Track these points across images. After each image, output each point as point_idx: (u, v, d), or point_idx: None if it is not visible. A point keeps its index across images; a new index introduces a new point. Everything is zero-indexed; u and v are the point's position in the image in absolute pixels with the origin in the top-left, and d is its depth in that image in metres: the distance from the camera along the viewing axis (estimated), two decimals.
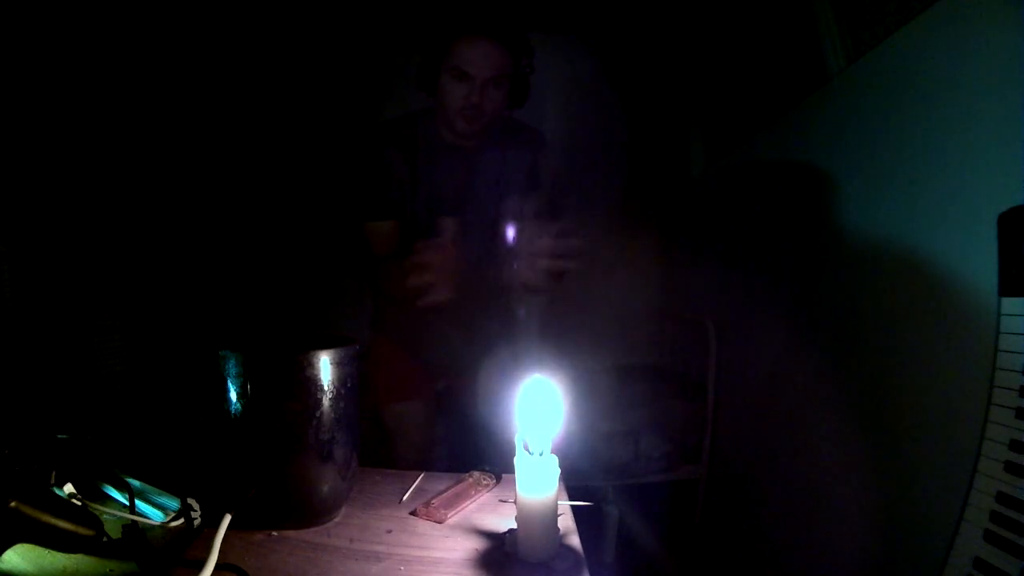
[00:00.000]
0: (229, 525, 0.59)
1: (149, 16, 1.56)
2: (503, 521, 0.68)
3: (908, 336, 1.00)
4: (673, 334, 2.08)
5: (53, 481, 0.62)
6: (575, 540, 0.64)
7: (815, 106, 1.36)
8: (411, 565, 0.58)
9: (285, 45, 1.97)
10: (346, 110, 2.00)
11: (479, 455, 0.91)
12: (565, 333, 1.49)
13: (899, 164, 1.04)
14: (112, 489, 0.67)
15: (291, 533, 0.64)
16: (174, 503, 0.65)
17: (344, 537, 0.64)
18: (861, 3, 1.20)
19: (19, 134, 1.23)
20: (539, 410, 0.60)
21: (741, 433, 1.66)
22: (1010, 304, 0.77)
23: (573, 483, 0.76)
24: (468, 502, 0.72)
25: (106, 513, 0.61)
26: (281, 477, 0.64)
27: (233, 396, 0.62)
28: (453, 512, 0.69)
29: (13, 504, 0.49)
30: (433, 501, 0.71)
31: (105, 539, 0.55)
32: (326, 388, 0.64)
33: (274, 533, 0.63)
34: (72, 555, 0.55)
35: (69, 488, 0.62)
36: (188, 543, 0.59)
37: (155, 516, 0.63)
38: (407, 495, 0.74)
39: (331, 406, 0.64)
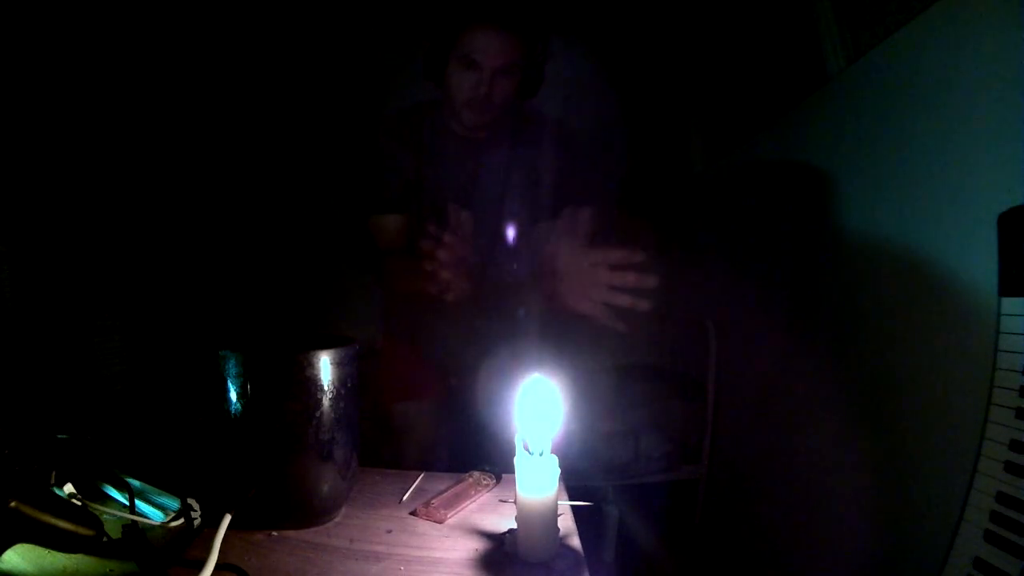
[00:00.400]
0: (229, 525, 0.59)
1: (149, 12, 1.55)
2: (503, 521, 0.68)
3: (908, 336, 1.00)
4: (673, 334, 2.08)
5: (53, 481, 0.62)
6: (575, 540, 0.64)
7: (815, 106, 1.36)
8: (411, 565, 0.58)
9: (287, 35, 1.94)
10: (350, 102, 1.97)
11: (479, 455, 0.91)
12: (565, 333, 1.49)
13: (899, 164, 1.04)
14: (112, 489, 0.67)
15: (291, 533, 0.64)
16: (174, 503, 0.65)
17: (344, 537, 0.64)
18: (861, 3, 1.20)
19: (19, 134, 1.23)
20: (539, 410, 0.60)
21: (741, 433, 1.66)
22: (1010, 304, 0.77)
23: (573, 483, 0.76)
24: (468, 502, 0.72)
25: (106, 513, 0.61)
26: (281, 477, 0.64)
27: (233, 396, 0.62)
28: (453, 512, 0.69)
29: (13, 504, 0.49)
30: (433, 501, 0.71)
31: (105, 539, 0.55)
32: (326, 388, 0.64)
33: (274, 533, 0.63)
34: (72, 555, 0.55)
35: (69, 488, 0.62)
36: (188, 543, 0.59)
37: (155, 516, 0.63)
38: (407, 495, 0.74)
39: (331, 406, 0.64)
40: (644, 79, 2.18)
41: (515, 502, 0.60)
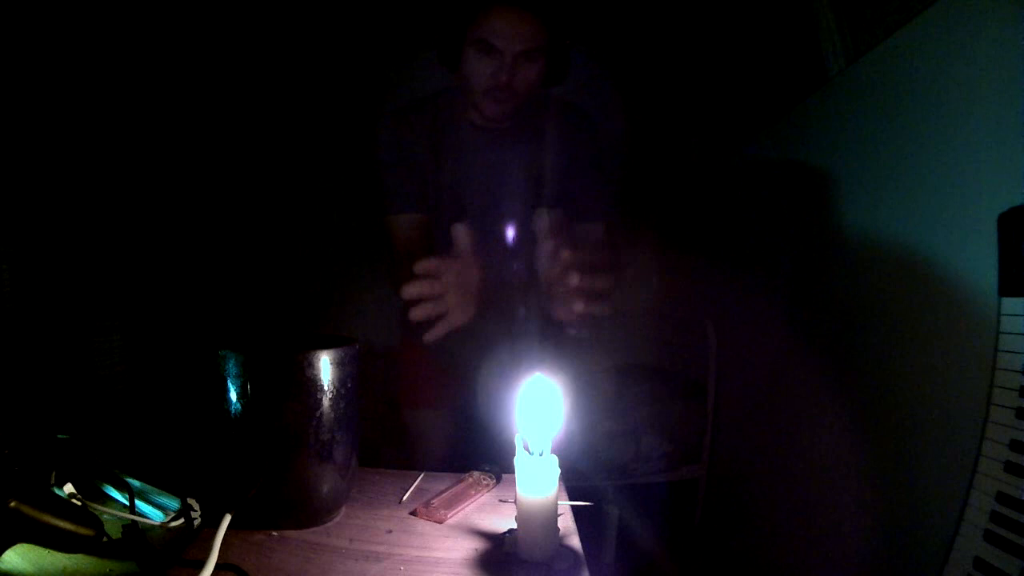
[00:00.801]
0: (229, 525, 0.59)
1: (150, 8, 1.55)
2: (503, 521, 0.68)
3: (908, 336, 1.00)
4: (673, 334, 2.08)
5: (53, 481, 0.62)
6: (575, 540, 0.64)
7: (815, 106, 1.36)
8: (411, 565, 0.58)
9: (292, 23, 1.90)
10: (358, 91, 1.92)
11: (479, 455, 0.90)
12: (565, 333, 1.48)
13: (899, 164, 1.04)
14: (112, 489, 0.67)
15: (291, 533, 0.64)
16: (174, 503, 0.65)
17: (344, 537, 0.64)
18: (861, 3, 1.20)
19: (19, 134, 1.23)
20: (539, 410, 0.60)
21: (741, 433, 1.66)
22: (1010, 304, 0.77)
23: (573, 483, 0.76)
24: (468, 502, 0.72)
25: (106, 513, 0.61)
26: (281, 477, 0.64)
27: (233, 396, 0.62)
28: (453, 512, 0.69)
29: (13, 504, 0.49)
30: (433, 501, 0.71)
31: (105, 539, 0.55)
32: (326, 388, 0.64)
33: (274, 533, 0.63)
34: (72, 555, 0.55)
35: (69, 488, 0.62)
36: (188, 543, 0.59)
37: (155, 516, 0.63)
38: (407, 495, 0.74)
39: (331, 406, 0.64)
40: (644, 79, 2.18)
41: (515, 502, 0.60)
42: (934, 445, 0.92)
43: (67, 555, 0.55)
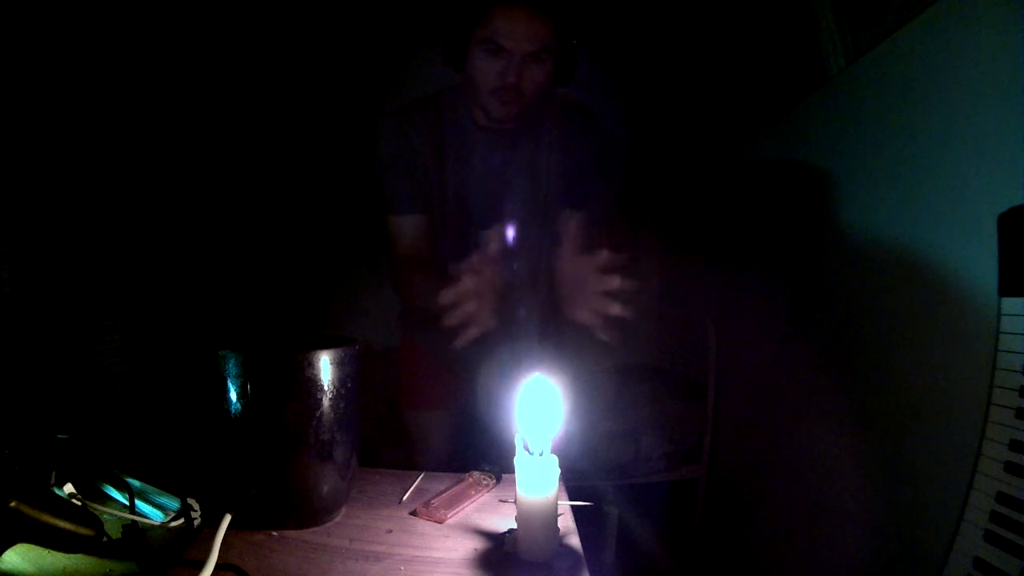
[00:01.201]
0: (229, 525, 0.59)
1: (149, 13, 1.55)
2: (503, 521, 0.68)
3: (908, 336, 1.00)
4: (673, 334, 2.08)
5: (53, 481, 0.62)
6: (575, 540, 0.64)
7: (815, 106, 1.36)
8: (411, 565, 0.58)
9: (293, 20, 1.89)
10: (360, 91, 1.90)
11: (479, 455, 0.90)
12: (565, 333, 1.48)
13: (899, 164, 1.04)
14: (112, 489, 0.67)
15: (291, 533, 0.64)
16: (174, 503, 0.65)
17: (344, 537, 0.64)
18: (861, 3, 1.20)
19: (19, 134, 1.23)
20: (539, 410, 0.60)
21: (741, 433, 1.66)
22: (1010, 304, 0.77)
23: (573, 483, 0.76)
24: (468, 502, 0.72)
25: (106, 513, 0.60)
26: (281, 477, 0.64)
27: (233, 396, 0.62)
28: (453, 512, 0.69)
29: (13, 504, 0.49)
30: (433, 501, 0.71)
31: (105, 539, 0.55)
32: (326, 388, 0.64)
33: (274, 533, 0.63)
34: (72, 555, 0.55)
35: (69, 488, 0.62)
36: (188, 543, 0.59)
37: (155, 516, 0.63)
38: (407, 495, 0.74)
39: (331, 406, 0.64)
40: (644, 78, 2.18)
41: (515, 502, 0.60)
42: (934, 445, 0.92)
43: (67, 555, 0.55)
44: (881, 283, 1.09)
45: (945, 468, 0.87)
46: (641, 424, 1.71)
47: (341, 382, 0.65)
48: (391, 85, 1.60)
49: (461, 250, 0.78)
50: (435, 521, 0.67)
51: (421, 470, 0.82)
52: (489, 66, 0.90)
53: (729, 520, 1.67)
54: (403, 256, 1.02)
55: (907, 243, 1.02)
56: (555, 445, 0.60)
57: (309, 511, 0.66)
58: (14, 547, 0.52)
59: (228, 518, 0.59)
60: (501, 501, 0.74)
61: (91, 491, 0.66)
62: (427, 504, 0.70)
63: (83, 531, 0.53)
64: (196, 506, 0.65)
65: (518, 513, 0.59)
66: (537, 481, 0.58)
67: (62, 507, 0.54)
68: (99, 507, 0.61)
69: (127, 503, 0.63)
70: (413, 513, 0.69)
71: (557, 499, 0.59)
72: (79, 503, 0.60)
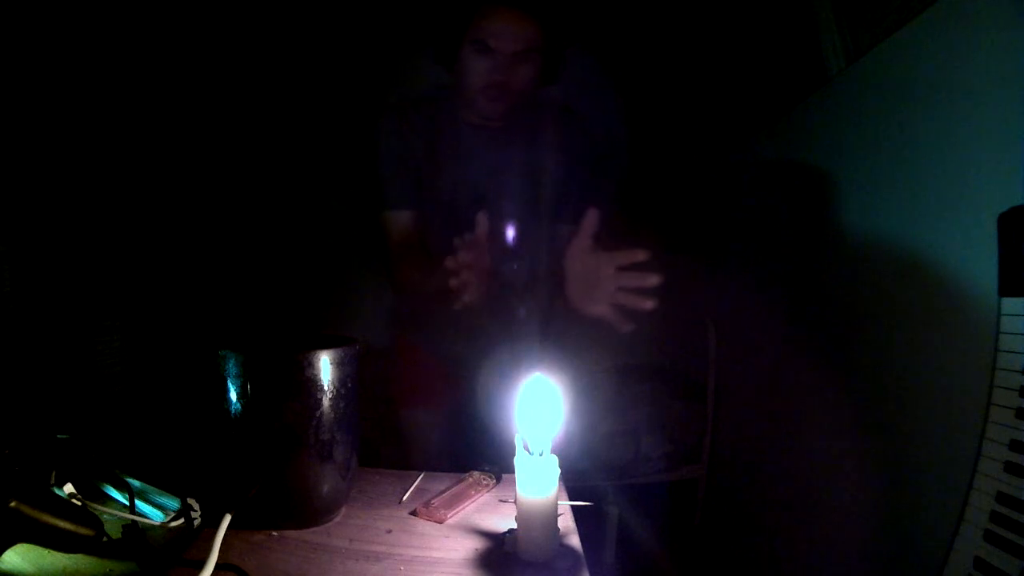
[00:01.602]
0: (229, 525, 0.59)
1: (148, 12, 1.55)
2: (503, 521, 0.68)
3: (908, 336, 1.00)
4: (673, 334, 2.08)
5: (53, 481, 0.62)
6: (575, 540, 0.64)
7: (815, 106, 1.36)
8: (411, 565, 0.58)
9: (291, 22, 1.90)
10: (355, 91, 1.92)
11: (479, 455, 0.90)
12: (565, 333, 1.48)
13: (899, 164, 1.04)
14: (112, 489, 0.67)
15: (291, 533, 0.64)
16: (174, 503, 0.65)
17: (344, 537, 0.64)
18: (861, 3, 1.20)
19: (19, 134, 1.23)
20: (539, 410, 0.60)
21: (741, 433, 1.66)
22: (1010, 304, 0.77)
23: (573, 483, 0.76)
24: (468, 502, 0.72)
25: (106, 513, 0.61)
26: (281, 477, 0.64)
27: (233, 396, 0.62)
28: (453, 512, 0.69)
29: (13, 504, 0.49)
30: (433, 501, 0.71)
31: (105, 539, 0.55)
32: (326, 388, 0.64)
33: (274, 533, 0.63)
34: (72, 555, 0.55)
35: (69, 488, 0.62)
36: (188, 543, 0.59)
37: (155, 516, 0.63)
38: (407, 495, 0.74)
39: (331, 406, 0.64)
40: (644, 78, 2.18)
41: (515, 502, 0.60)
42: (934, 445, 0.92)
43: (67, 555, 0.55)
44: (881, 283, 1.09)
45: (945, 468, 0.87)
46: (641, 424, 1.71)
47: (341, 382, 0.65)
48: (388, 85, 1.64)
49: (452, 243, 0.83)
50: (435, 521, 0.67)
51: (417, 468, 0.82)
52: (478, 65, 0.93)
53: (729, 520, 1.67)
54: (396, 248, 1.06)
55: (907, 243, 1.02)
56: (555, 445, 0.60)
57: (309, 511, 0.66)
58: (14, 547, 0.52)
59: (228, 518, 0.59)
60: (501, 501, 0.74)
61: (91, 491, 0.66)
62: (427, 504, 0.70)
63: (83, 531, 0.53)
64: (196, 506, 0.65)
65: (518, 513, 0.59)
66: (537, 481, 0.58)
67: (62, 507, 0.54)
68: (99, 507, 0.61)
69: (127, 503, 0.63)
70: (413, 513, 0.69)
71: (557, 499, 0.59)
72: (79, 503, 0.60)
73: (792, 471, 1.36)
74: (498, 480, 0.78)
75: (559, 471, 0.59)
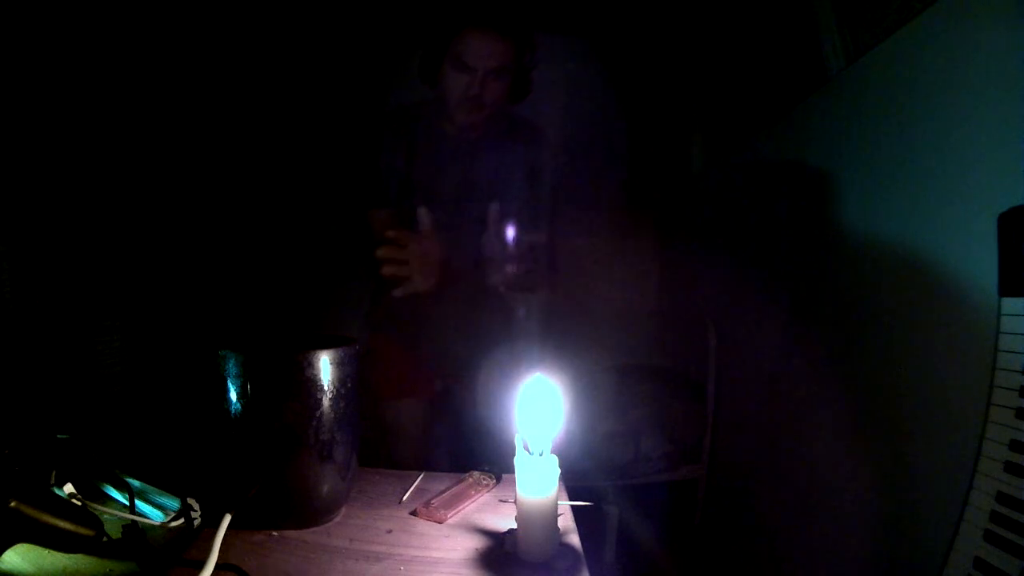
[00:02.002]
0: (229, 525, 0.59)
1: (148, 14, 1.55)
2: (503, 521, 0.68)
3: (908, 336, 1.00)
4: (673, 334, 2.08)
5: (53, 481, 0.62)
6: (575, 540, 0.64)
7: (815, 106, 1.36)
8: (411, 565, 0.58)
9: (286, 36, 1.95)
10: (347, 101, 1.98)
11: (479, 455, 0.91)
12: (565, 333, 1.48)
13: (899, 164, 1.04)
14: (112, 489, 0.67)
15: (291, 533, 0.64)
16: (174, 503, 0.65)
17: (344, 537, 0.64)
18: (861, 3, 1.20)
19: (19, 134, 1.23)
20: (539, 410, 0.60)
21: (741, 433, 1.66)
22: (1010, 304, 0.77)
23: (573, 483, 0.76)
24: (468, 502, 0.72)
25: (106, 513, 0.61)
26: (281, 477, 0.64)
27: (233, 396, 0.62)
28: (453, 512, 0.69)
29: (13, 504, 0.49)
30: (433, 501, 0.71)
31: (105, 539, 0.55)
32: (326, 388, 0.64)
33: (274, 533, 0.63)
34: (72, 555, 0.55)
35: (69, 488, 0.62)
36: (188, 543, 0.59)
37: (155, 516, 0.63)
38: (407, 495, 0.74)
39: (331, 406, 0.64)
40: (645, 79, 2.18)
41: (515, 502, 0.60)
42: (934, 445, 0.92)
43: (67, 555, 0.55)
44: (881, 283, 1.09)
45: (945, 468, 0.87)
46: (641, 424, 1.71)
47: (341, 382, 0.65)
48: (379, 94, 1.80)
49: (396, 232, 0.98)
50: (435, 521, 0.67)
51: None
52: (457, 80, 1.05)
53: (729, 520, 1.67)
54: (377, 243, 1.17)
55: (907, 243, 1.01)
56: (555, 445, 0.60)
57: (309, 511, 0.66)
58: (14, 547, 0.52)
59: (228, 518, 0.59)
60: (501, 501, 0.74)
61: (91, 491, 0.66)
62: (427, 504, 0.70)
63: (83, 531, 0.53)
64: (196, 506, 0.65)
65: (518, 513, 0.59)
66: (537, 481, 0.58)
67: (62, 507, 0.54)
68: (99, 507, 0.61)
69: (127, 503, 0.63)
70: (413, 513, 0.69)
71: (557, 499, 0.59)
72: (79, 503, 0.60)
73: (792, 471, 1.36)
74: (498, 480, 0.78)
75: (559, 471, 0.59)
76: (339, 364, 0.65)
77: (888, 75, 1.09)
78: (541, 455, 0.60)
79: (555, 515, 0.59)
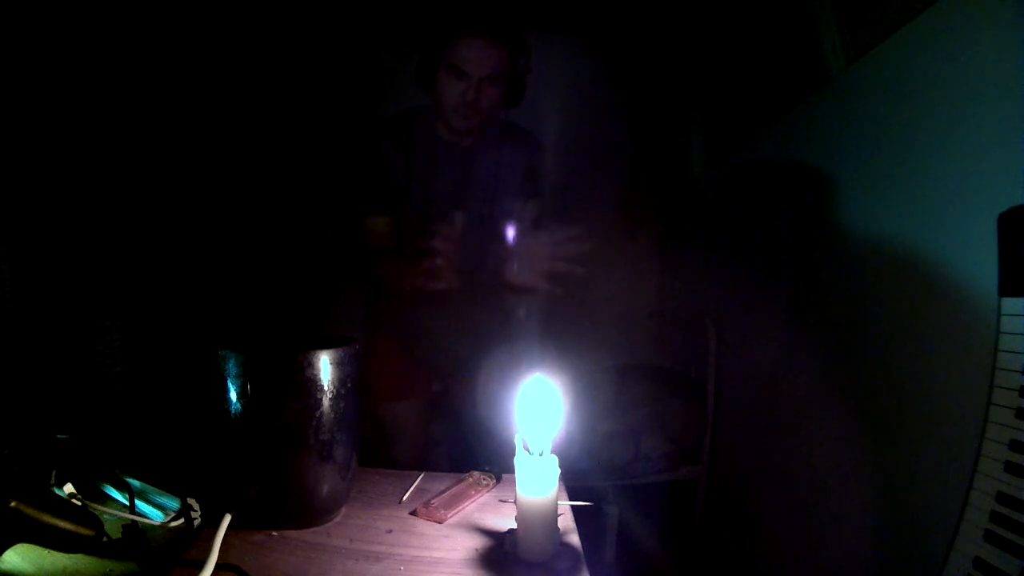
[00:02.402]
0: (229, 525, 0.59)
1: (149, 15, 1.55)
2: (503, 521, 0.68)
3: (908, 336, 1.00)
4: (673, 334, 2.08)
5: (53, 481, 0.62)
6: (575, 540, 0.64)
7: (815, 106, 1.36)
8: (411, 565, 0.58)
9: (285, 43, 1.96)
10: (345, 107, 2.00)
11: (479, 455, 0.92)
12: (565, 333, 1.48)
13: (899, 164, 1.04)
14: (112, 489, 0.67)
15: (291, 533, 0.64)
16: (174, 503, 0.65)
17: (344, 537, 0.64)
18: (861, 3, 1.20)
19: (19, 134, 1.23)
20: (539, 410, 0.60)
21: (741, 433, 1.66)
22: (1010, 304, 0.77)
23: (573, 483, 0.76)
24: (468, 502, 0.72)
25: (106, 513, 0.61)
26: (281, 477, 0.64)
27: (233, 396, 0.62)
28: (453, 512, 0.69)
29: (13, 504, 0.49)
30: (433, 501, 0.71)
31: (105, 539, 0.55)
32: (326, 388, 0.64)
33: (274, 533, 0.63)
34: (72, 555, 0.55)
35: (69, 488, 0.62)
36: (188, 543, 0.59)
37: (155, 516, 0.63)
38: (407, 495, 0.74)
39: (331, 406, 0.64)
40: (645, 79, 2.18)
41: (515, 502, 0.60)
42: (934, 445, 0.92)
43: (67, 555, 0.55)
44: (881, 283, 1.09)
45: (945, 468, 0.87)
46: (641, 424, 1.71)
47: (341, 382, 0.65)
48: (376, 100, 1.77)
49: (423, 240, 1.02)
50: (435, 521, 0.67)
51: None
52: (453, 86, 1.07)
53: (729, 520, 1.67)
54: (374, 248, 1.21)
55: (907, 243, 1.01)
56: (555, 445, 0.60)
57: (309, 511, 0.66)
58: (14, 547, 0.52)
59: (228, 518, 0.59)
60: (501, 501, 0.74)
61: (91, 491, 0.66)
62: (427, 504, 0.70)
63: (83, 531, 0.53)
64: (196, 506, 0.65)
65: (518, 513, 0.59)
66: (537, 481, 0.58)
67: (62, 507, 0.54)
68: (99, 507, 0.61)
69: (127, 503, 0.63)
70: (413, 513, 0.69)
71: (557, 499, 0.59)
72: (79, 503, 0.60)
73: (792, 471, 1.36)
74: (498, 480, 0.78)
75: (559, 471, 0.59)
76: (339, 364, 0.65)
77: (888, 75, 1.09)
78: (541, 455, 0.60)
79: (555, 515, 0.59)
